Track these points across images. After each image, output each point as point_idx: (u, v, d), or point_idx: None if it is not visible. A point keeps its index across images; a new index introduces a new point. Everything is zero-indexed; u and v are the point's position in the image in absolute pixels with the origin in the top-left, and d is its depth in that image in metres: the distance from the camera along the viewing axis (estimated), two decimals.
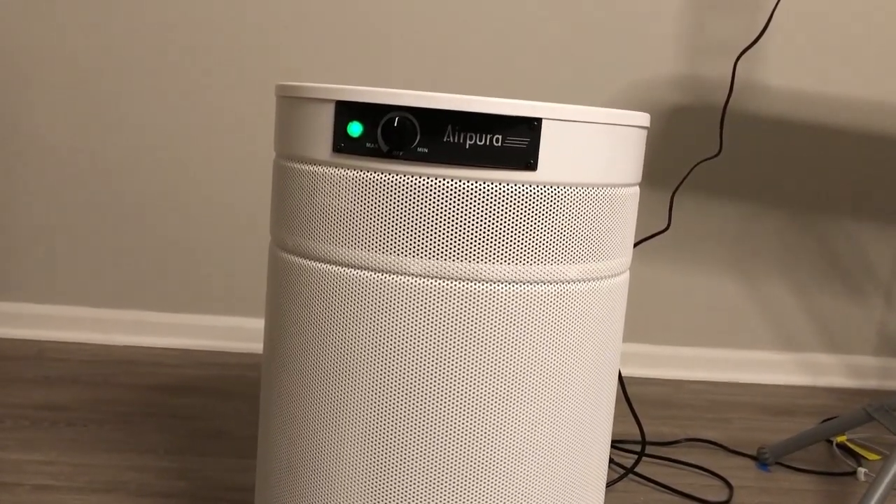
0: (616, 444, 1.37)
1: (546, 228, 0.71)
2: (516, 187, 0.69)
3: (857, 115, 1.77)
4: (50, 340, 1.71)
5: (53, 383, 1.46)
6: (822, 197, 1.79)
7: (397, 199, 0.70)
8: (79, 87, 1.66)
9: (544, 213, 0.71)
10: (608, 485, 1.22)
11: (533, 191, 0.70)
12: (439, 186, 0.69)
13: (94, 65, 1.65)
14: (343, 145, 0.71)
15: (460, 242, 0.69)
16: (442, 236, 0.69)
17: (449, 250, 0.70)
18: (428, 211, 0.69)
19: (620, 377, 1.19)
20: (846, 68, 1.74)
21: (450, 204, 0.69)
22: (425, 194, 0.69)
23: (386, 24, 1.66)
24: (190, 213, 1.71)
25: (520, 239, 0.70)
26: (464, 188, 0.69)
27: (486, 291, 0.70)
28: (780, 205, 1.79)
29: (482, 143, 0.68)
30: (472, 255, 0.70)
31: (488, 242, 0.70)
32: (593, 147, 0.72)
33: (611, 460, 1.28)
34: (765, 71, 1.73)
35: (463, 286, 0.70)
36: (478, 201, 0.69)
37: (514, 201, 0.70)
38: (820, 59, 1.73)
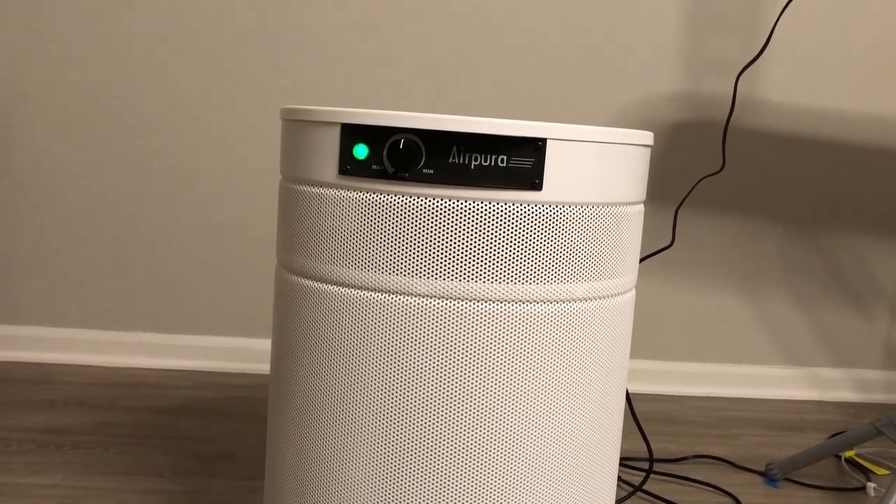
0: (624, 461, 1.37)
1: (552, 247, 0.71)
2: (522, 207, 0.70)
3: (859, 130, 1.77)
4: (55, 363, 1.71)
5: (58, 406, 1.46)
6: (826, 211, 1.80)
7: (403, 220, 0.70)
8: (84, 111, 1.67)
9: (550, 232, 0.71)
10: (617, 503, 1.21)
11: (539, 210, 0.70)
12: (445, 207, 0.69)
13: (101, 89, 1.66)
14: (349, 167, 0.71)
15: (467, 262, 0.70)
16: (449, 256, 0.70)
17: (456, 270, 0.70)
18: (434, 231, 0.70)
19: (627, 394, 1.19)
20: (846, 83, 1.75)
21: (456, 224, 0.69)
22: (431, 215, 0.69)
23: (392, 46, 1.67)
24: (195, 236, 1.72)
25: (526, 258, 0.70)
26: (470, 209, 0.69)
27: (493, 311, 0.70)
28: (784, 219, 1.79)
29: (487, 163, 0.69)
30: (479, 274, 0.70)
31: (495, 262, 0.70)
32: (598, 166, 0.72)
33: (619, 478, 1.27)
34: (766, 87, 1.74)
35: (470, 306, 0.70)
36: (484, 221, 0.69)
37: (519, 221, 0.70)
38: (820, 74, 1.74)
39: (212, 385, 1.64)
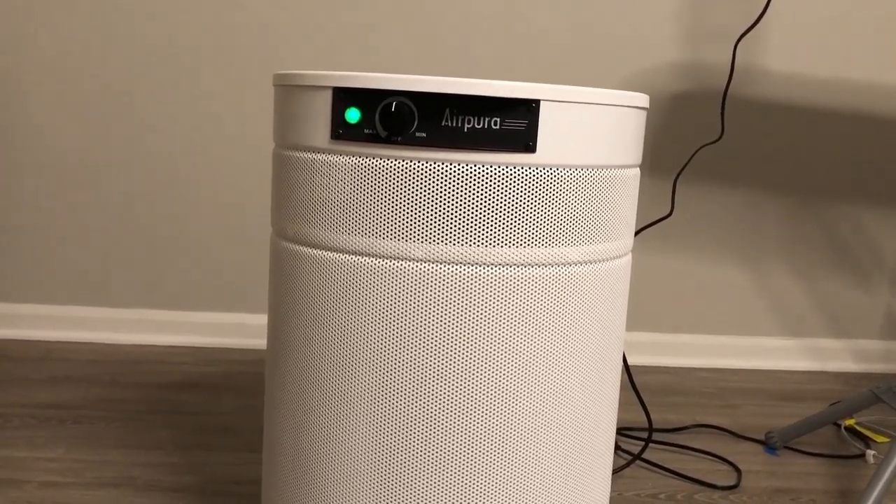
0: (623, 431, 1.37)
1: (547, 211, 0.71)
2: (516, 170, 0.69)
3: (858, 98, 1.76)
4: (56, 341, 1.71)
5: (60, 383, 1.47)
6: (826, 180, 1.79)
7: (397, 184, 0.70)
8: (79, 88, 1.66)
9: (545, 195, 0.70)
10: (616, 471, 1.21)
11: (533, 173, 0.70)
12: (438, 171, 0.69)
13: (90, 63, 1.66)
14: (341, 132, 0.70)
15: (461, 226, 0.69)
16: (443, 221, 0.69)
17: (450, 234, 0.69)
18: (428, 195, 0.69)
19: (627, 365, 1.19)
20: (846, 50, 1.74)
21: (450, 188, 0.69)
22: (425, 179, 0.69)
23: (385, 8, 1.66)
24: (193, 211, 1.71)
25: (521, 221, 0.70)
26: (463, 172, 0.69)
27: (489, 275, 0.70)
28: (784, 189, 1.78)
29: (480, 126, 0.68)
30: (473, 238, 0.70)
31: (489, 226, 0.70)
32: (593, 128, 0.72)
33: (618, 447, 1.28)
34: (764, 55, 1.73)
35: (465, 270, 0.70)
36: (478, 184, 0.69)
37: (514, 184, 0.69)
38: (819, 41, 1.73)
39: (213, 360, 1.65)
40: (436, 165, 0.69)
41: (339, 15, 1.66)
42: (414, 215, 0.69)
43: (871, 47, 1.74)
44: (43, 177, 1.69)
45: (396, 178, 0.69)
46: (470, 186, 0.69)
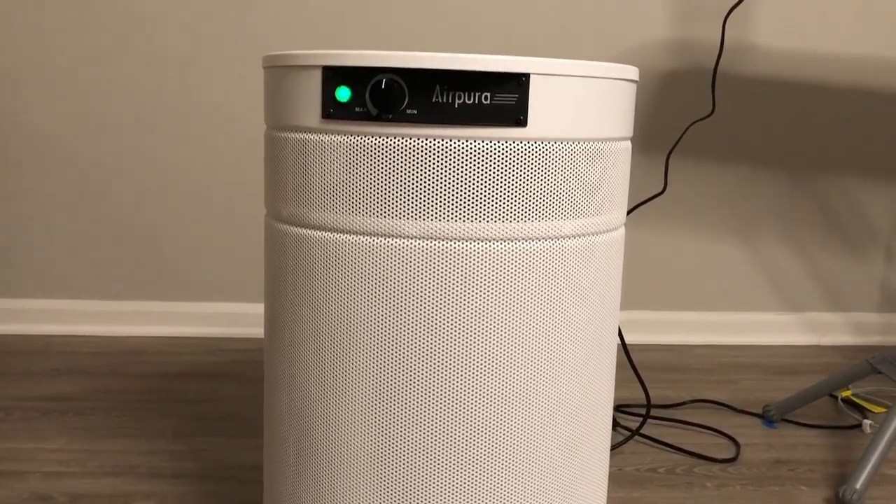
0: (621, 407, 1.38)
1: (539, 184, 0.71)
2: (507, 144, 0.69)
3: (848, 71, 1.76)
4: (56, 335, 1.71)
5: (61, 375, 1.47)
6: (819, 154, 1.79)
7: (389, 162, 0.70)
8: (72, 81, 1.66)
9: (537, 169, 0.71)
10: (615, 447, 1.22)
11: (524, 147, 0.70)
12: (430, 147, 0.69)
13: (78, 52, 1.65)
14: (332, 111, 0.71)
15: (454, 202, 0.70)
16: (436, 197, 0.70)
17: (444, 211, 0.70)
18: (420, 172, 0.69)
19: (624, 342, 1.20)
20: (833, 24, 1.74)
21: (442, 164, 0.69)
22: (417, 156, 0.69)
23: None
24: (192, 202, 1.72)
25: (513, 196, 0.70)
26: (455, 147, 0.69)
27: (483, 250, 0.71)
28: (777, 164, 1.79)
29: (471, 101, 0.68)
30: (466, 214, 0.70)
31: (482, 201, 0.70)
32: (583, 101, 0.72)
33: (617, 423, 1.29)
34: (754, 30, 1.73)
35: (459, 246, 0.70)
36: (470, 160, 0.69)
37: (506, 158, 0.70)
38: (807, 15, 1.73)
39: (214, 350, 1.65)
40: (428, 142, 0.69)
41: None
42: (407, 192, 0.70)
43: (858, 21, 1.74)
44: (41, 171, 1.69)
45: (389, 156, 0.70)
46: (463, 162, 0.69)
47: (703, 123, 1.75)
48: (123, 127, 1.68)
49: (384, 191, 0.70)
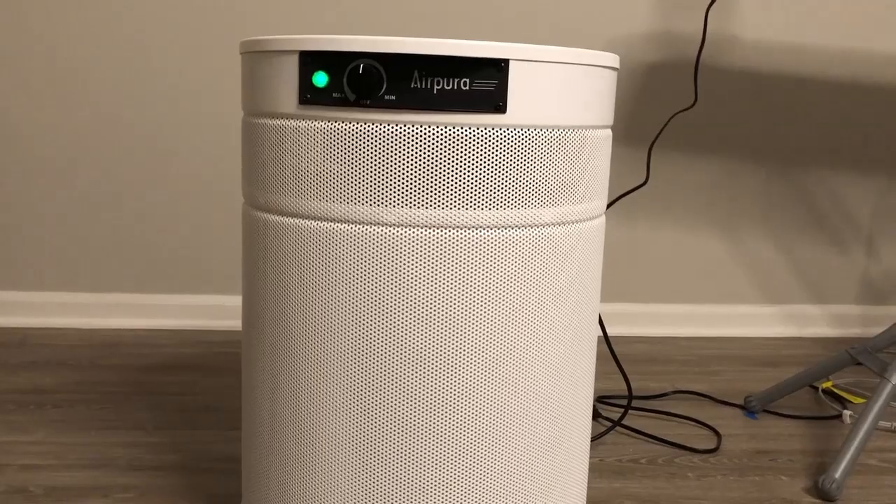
0: (603, 399, 1.38)
1: (519, 172, 0.71)
2: (487, 131, 0.69)
3: (830, 64, 1.77)
4: (33, 327, 1.69)
5: (38, 368, 1.45)
6: (800, 146, 1.80)
7: (367, 148, 0.69)
8: (42, 67, 1.64)
9: (516, 156, 0.70)
10: (596, 438, 1.22)
11: (504, 134, 0.69)
12: (408, 133, 0.68)
13: (54, 43, 1.63)
14: (309, 97, 0.70)
15: (433, 189, 0.69)
16: (414, 184, 0.69)
17: (422, 198, 0.69)
18: (398, 159, 0.69)
19: (606, 333, 1.20)
20: (816, 16, 1.74)
21: (421, 151, 0.69)
22: (395, 142, 0.69)
23: None
24: (168, 195, 1.70)
25: (493, 183, 0.70)
26: (434, 134, 0.68)
27: (462, 238, 0.70)
28: (759, 156, 1.79)
29: (450, 87, 0.68)
30: (445, 201, 0.69)
31: (462, 188, 0.69)
32: (563, 88, 0.71)
33: (599, 414, 1.29)
34: (736, 22, 1.73)
35: (438, 234, 0.70)
36: (449, 147, 0.69)
37: (485, 145, 0.69)
38: (789, 7, 1.73)
39: (193, 342, 1.64)
40: (406, 128, 0.68)
41: None
42: (385, 179, 0.69)
43: (840, 13, 1.74)
44: (14, 162, 1.67)
45: (366, 142, 0.69)
46: (442, 149, 0.69)
47: (686, 115, 1.75)
48: (100, 118, 1.66)
49: (362, 177, 0.70)
